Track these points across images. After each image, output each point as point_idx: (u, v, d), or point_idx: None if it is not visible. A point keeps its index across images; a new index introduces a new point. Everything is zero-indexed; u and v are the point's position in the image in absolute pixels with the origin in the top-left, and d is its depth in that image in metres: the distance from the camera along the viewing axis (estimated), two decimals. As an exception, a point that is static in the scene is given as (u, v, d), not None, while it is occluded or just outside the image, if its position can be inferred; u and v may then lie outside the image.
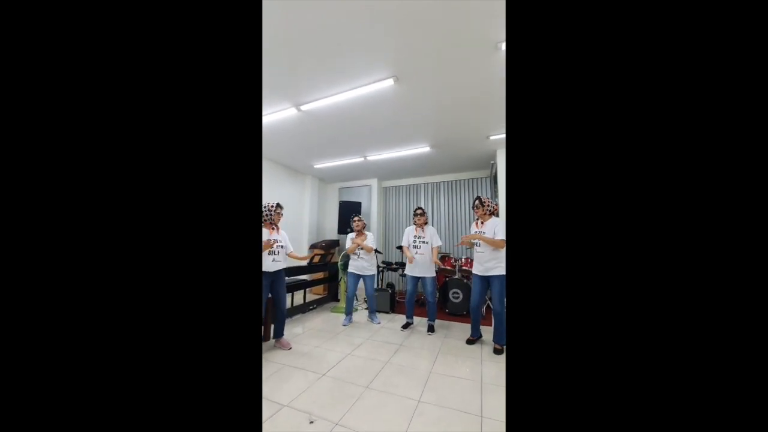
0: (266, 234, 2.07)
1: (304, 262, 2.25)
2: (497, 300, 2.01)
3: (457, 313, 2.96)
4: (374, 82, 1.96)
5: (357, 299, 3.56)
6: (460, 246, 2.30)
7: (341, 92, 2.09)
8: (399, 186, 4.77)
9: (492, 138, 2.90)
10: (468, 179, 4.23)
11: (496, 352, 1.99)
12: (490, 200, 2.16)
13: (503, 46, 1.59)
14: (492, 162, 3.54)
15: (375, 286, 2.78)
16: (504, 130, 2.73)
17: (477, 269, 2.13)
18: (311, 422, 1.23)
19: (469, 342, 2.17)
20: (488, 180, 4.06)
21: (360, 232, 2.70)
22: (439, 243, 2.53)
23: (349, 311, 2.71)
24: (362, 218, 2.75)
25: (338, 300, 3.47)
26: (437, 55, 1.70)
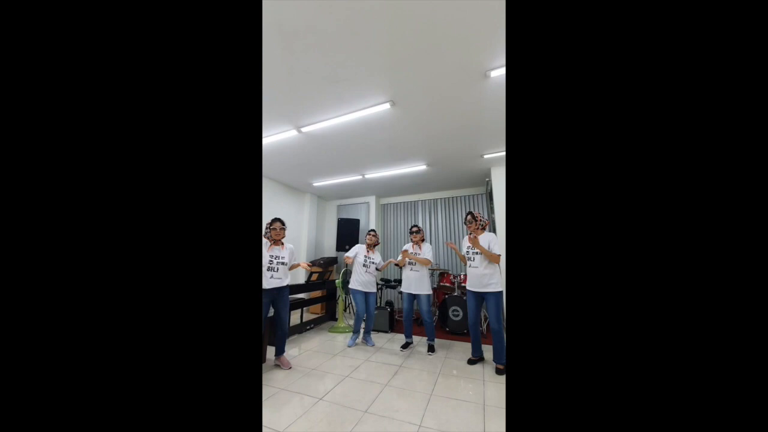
0: (264, 250, 2.03)
1: (304, 272, 2.21)
2: (494, 318, 1.98)
3: (457, 332, 2.90)
4: (372, 106, 2.06)
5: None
6: (448, 246, 2.27)
7: (341, 115, 2.19)
8: (397, 203, 4.83)
9: (486, 156, 3.00)
10: (464, 196, 4.31)
11: (498, 372, 1.94)
12: (481, 215, 2.18)
13: (492, 74, 1.71)
14: (487, 179, 3.63)
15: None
16: (497, 149, 2.84)
17: (471, 285, 2.10)
18: (308, 451, 1.17)
19: (471, 362, 2.12)
20: (484, 196, 4.14)
21: (371, 247, 2.69)
22: (430, 259, 2.48)
23: (356, 329, 2.63)
24: (374, 235, 2.73)
25: (336, 319, 3.39)
26: (431, 83, 1.81)
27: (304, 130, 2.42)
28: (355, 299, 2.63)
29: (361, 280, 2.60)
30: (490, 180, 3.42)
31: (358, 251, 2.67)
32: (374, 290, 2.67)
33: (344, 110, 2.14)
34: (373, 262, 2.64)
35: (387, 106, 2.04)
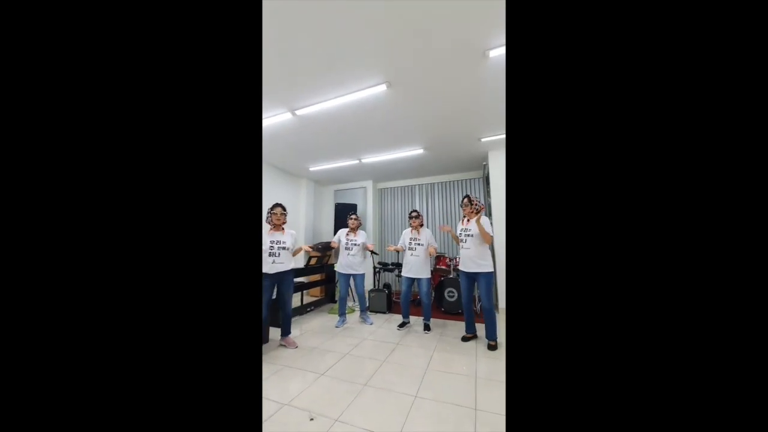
0: (265, 235, 2.07)
1: (301, 255, 2.30)
2: (485, 297, 2.09)
3: (452, 312, 3.01)
4: (368, 87, 2.01)
5: (354, 299, 3.60)
6: (443, 231, 2.36)
7: (336, 97, 2.14)
8: (394, 187, 4.82)
9: (483, 140, 2.97)
10: (461, 180, 4.31)
11: (490, 348, 2.05)
12: (477, 199, 2.23)
13: (490, 54, 1.66)
14: (484, 163, 3.62)
15: (371, 286, 2.81)
16: (495, 132, 2.81)
17: (463, 266, 2.21)
18: (311, 419, 1.26)
19: (465, 339, 2.23)
20: (481, 180, 4.14)
21: (353, 230, 2.74)
22: (435, 245, 2.58)
23: (342, 312, 2.72)
24: (359, 218, 2.79)
25: (335, 301, 3.49)
26: (428, 63, 1.76)
27: (298, 113, 2.37)
28: (339, 282, 2.73)
29: (343, 262, 2.66)
30: (487, 164, 3.42)
31: (340, 234, 2.72)
32: (361, 271, 2.69)
33: (339, 92, 2.08)
34: (355, 244, 2.67)
35: (383, 87, 1.99)
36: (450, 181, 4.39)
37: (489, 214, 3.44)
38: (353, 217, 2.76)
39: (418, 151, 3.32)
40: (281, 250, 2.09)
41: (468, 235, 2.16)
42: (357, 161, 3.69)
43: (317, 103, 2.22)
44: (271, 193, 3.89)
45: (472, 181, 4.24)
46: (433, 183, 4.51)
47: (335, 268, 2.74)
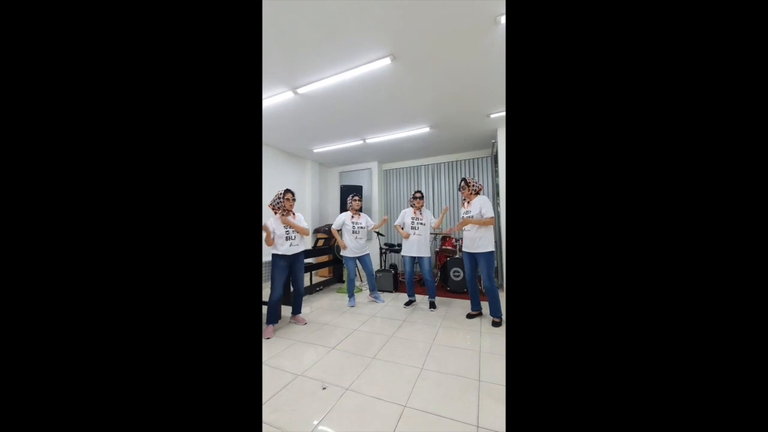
0: (278, 222, 2.14)
1: (311, 239, 2.41)
2: (486, 277, 2.14)
3: (458, 291, 3.07)
4: (371, 61, 1.91)
5: (361, 280, 3.71)
6: (458, 230, 2.41)
7: (338, 73, 2.05)
8: (399, 168, 4.75)
9: (493, 116, 2.85)
10: (468, 159, 4.20)
11: (495, 324, 2.11)
12: (474, 180, 2.30)
13: (503, 20, 1.54)
14: (493, 141, 3.50)
15: (378, 266, 2.85)
16: (505, 107, 2.69)
17: (465, 247, 2.30)
18: (324, 388, 1.35)
19: (470, 316, 2.30)
20: (489, 159, 4.03)
21: (357, 212, 2.75)
22: (434, 223, 2.61)
23: (351, 293, 2.79)
24: (359, 200, 2.77)
25: (343, 281, 3.60)
26: (435, 31, 1.65)
27: (300, 91, 2.29)
28: (347, 265, 2.78)
29: (351, 246, 2.69)
30: (496, 142, 3.30)
31: (344, 220, 2.72)
32: (364, 253, 2.75)
33: (342, 67, 1.99)
34: (361, 227, 2.70)
35: (387, 60, 1.89)
36: (457, 161, 4.29)
37: (497, 194, 3.38)
38: (356, 198, 2.75)
39: (425, 130, 3.22)
40: (296, 233, 2.19)
41: (470, 217, 2.22)
42: (361, 141, 3.61)
43: (319, 80, 2.14)
44: (275, 176, 3.89)
45: (480, 160, 4.12)
46: (440, 163, 4.42)
47: (342, 254, 2.77)
